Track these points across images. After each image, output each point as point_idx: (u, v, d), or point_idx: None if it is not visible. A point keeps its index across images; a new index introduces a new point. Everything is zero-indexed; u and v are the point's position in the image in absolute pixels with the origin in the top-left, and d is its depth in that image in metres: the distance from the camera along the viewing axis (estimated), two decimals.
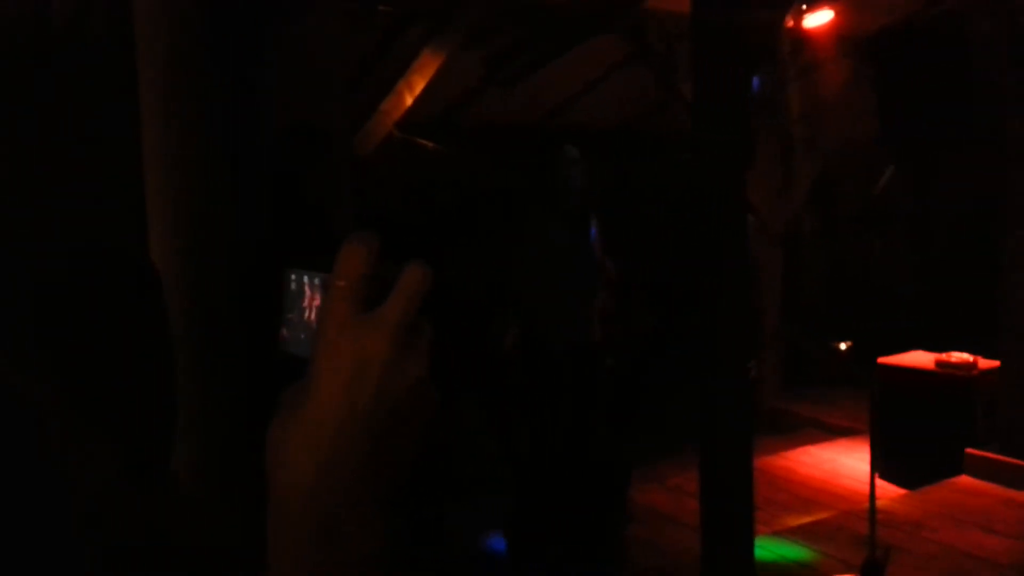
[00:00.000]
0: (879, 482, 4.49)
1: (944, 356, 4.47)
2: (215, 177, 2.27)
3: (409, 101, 4.26)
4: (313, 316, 0.55)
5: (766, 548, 3.46)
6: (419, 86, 4.25)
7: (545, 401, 3.56)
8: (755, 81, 6.44)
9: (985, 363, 4.39)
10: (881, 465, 4.59)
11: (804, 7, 4.87)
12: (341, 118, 3.77)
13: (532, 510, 3.58)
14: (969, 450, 4.19)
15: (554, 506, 3.56)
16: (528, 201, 3.71)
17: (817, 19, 4.76)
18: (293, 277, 0.56)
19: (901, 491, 4.21)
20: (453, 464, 4.07)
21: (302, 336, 0.55)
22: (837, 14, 4.77)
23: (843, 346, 6.28)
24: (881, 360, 4.59)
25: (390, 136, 4.39)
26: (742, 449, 3.18)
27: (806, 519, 3.91)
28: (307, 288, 0.55)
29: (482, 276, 4.05)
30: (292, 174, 2.64)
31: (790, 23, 4.92)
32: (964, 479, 4.17)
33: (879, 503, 3.92)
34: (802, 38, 5.42)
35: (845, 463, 4.83)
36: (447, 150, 4.94)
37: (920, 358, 4.61)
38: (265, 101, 2.56)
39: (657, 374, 5.24)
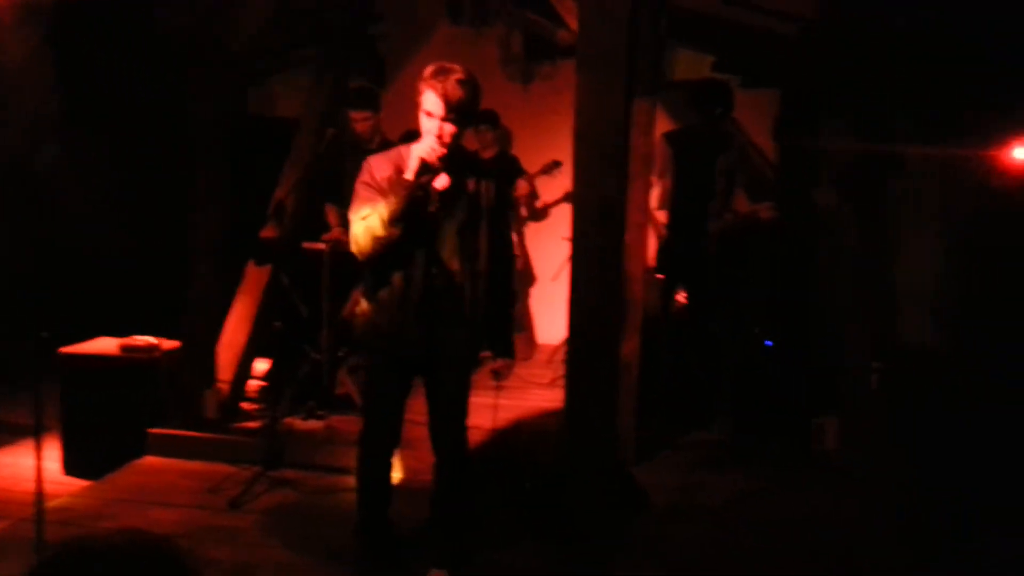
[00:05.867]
0: (66, 478, 4.31)
1: (128, 340, 4.50)
2: None
3: None
4: None
5: None
6: None
7: None
8: None
9: (169, 344, 4.58)
10: (68, 459, 4.42)
11: None
12: None
13: None
14: (152, 430, 4.32)
15: None
16: None
17: None
18: None
19: (87, 483, 4.10)
20: None
21: None
22: None
23: (45, 335, 5.82)
24: (63, 350, 4.38)
25: None
26: None
27: None
28: None
29: None
30: None
31: None
32: (149, 459, 4.28)
33: (61, 501, 3.74)
34: None
35: (30, 465, 4.46)
36: None
37: (105, 344, 4.55)
38: None
39: None
